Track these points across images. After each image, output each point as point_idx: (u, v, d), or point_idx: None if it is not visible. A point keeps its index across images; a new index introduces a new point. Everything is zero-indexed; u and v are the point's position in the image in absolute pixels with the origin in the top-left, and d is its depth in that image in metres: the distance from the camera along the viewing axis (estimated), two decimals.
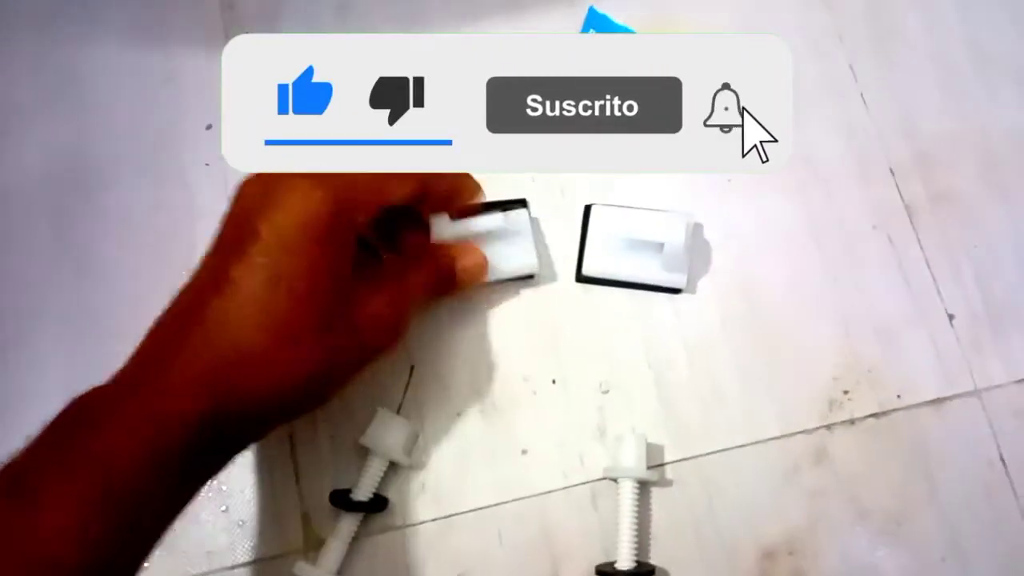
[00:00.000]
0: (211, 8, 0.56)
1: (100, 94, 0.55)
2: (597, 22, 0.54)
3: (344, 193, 0.38)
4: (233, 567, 0.46)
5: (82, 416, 0.34)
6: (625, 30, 0.54)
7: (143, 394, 0.34)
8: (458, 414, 0.48)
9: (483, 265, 0.47)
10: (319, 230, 0.37)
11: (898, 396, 0.48)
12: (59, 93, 0.55)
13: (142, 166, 0.53)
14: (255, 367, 0.36)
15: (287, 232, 0.37)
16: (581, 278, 0.50)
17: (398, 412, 0.47)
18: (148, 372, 0.36)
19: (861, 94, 0.54)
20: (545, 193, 0.51)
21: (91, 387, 0.35)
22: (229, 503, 0.47)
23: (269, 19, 0.56)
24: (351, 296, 0.40)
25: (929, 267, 0.51)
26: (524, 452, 0.47)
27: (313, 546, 0.46)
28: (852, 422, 0.47)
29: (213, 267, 0.38)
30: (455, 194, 0.46)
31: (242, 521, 0.46)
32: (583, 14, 0.55)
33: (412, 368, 0.48)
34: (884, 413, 0.48)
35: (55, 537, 0.31)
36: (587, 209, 0.50)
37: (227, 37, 0.54)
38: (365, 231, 0.43)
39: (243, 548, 0.46)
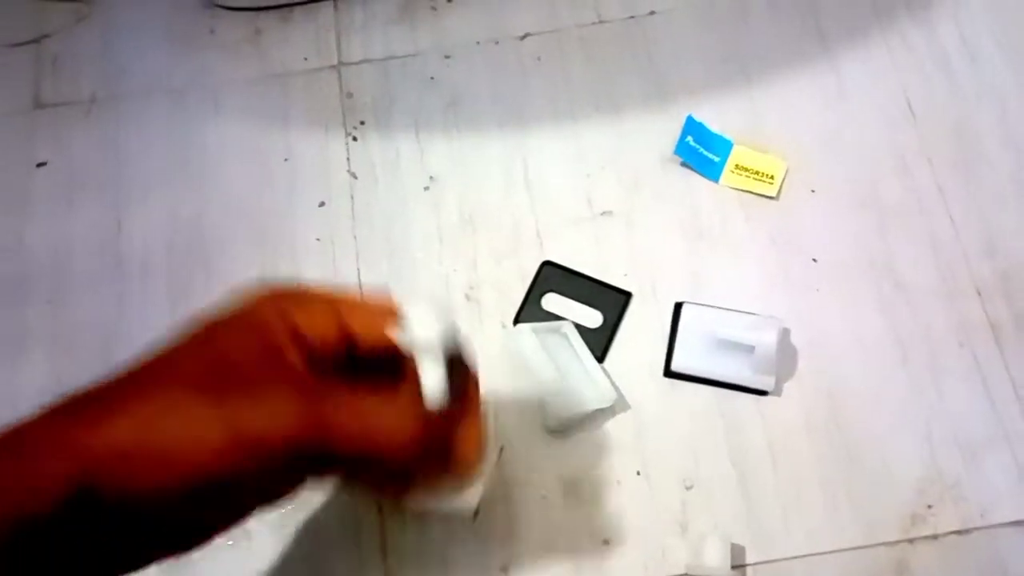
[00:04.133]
0: (331, 95, 0.60)
1: (223, 168, 0.59)
2: (695, 130, 0.57)
3: (296, 302, 0.36)
4: None
5: None
6: (720, 139, 0.57)
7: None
8: (544, 499, 0.49)
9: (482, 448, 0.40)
10: (235, 324, 0.35)
11: (981, 515, 0.48)
12: (186, 165, 0.59)
13: (256, 238, 0.57)
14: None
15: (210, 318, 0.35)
16: (669, 373, 0.51)
17: (484, 491, 0.48)
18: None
19: (947, 212, 0.55)
20: (636, 288, 0.53)
21: None
22: (317, 569, 0.48)
23: (384, 110, 0.60)
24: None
25: (1014, 387, 0.51)
26: (606, 542, 0.48)
27: None
28: (935, 537, 0.48)
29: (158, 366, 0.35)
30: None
31: None
32: (680, 119, 0.57)
33: (502, 449, 0.50)
34: (967, 531, 0.48)
35: None
36: (677, 307, 0.52)
37: (345, 123, 0.58)
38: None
39: None
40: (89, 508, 0.31)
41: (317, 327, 0.36)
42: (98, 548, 0.33)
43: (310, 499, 0.50)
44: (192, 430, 0.32)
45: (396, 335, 0.37)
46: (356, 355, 0.37)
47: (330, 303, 0.37)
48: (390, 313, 0.37)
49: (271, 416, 0.33)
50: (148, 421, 0.32)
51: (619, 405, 0.51)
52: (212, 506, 0.34)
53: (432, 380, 0.36)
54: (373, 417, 0.35)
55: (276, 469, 0.33)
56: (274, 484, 0.35)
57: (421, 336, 0.36)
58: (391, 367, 0.37)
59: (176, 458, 0.32)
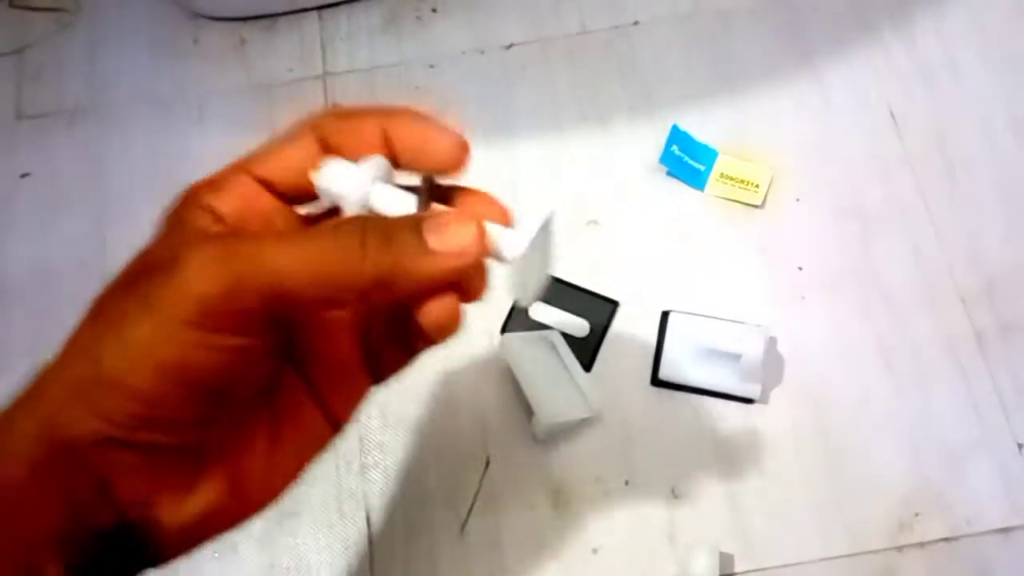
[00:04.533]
0: (315, 105, 0.60)
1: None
2: (680, 139, 0.57)
3: (202, 186, 0.31)
4: None
5: None
6: (705, 148, 0.57)
7: None
8: (530, 508, 0.49)
9: (457, 316, 0.31)
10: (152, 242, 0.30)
11: (967, 522, 0.48)
12: (170, 175, 0.58)
13: None
14: None
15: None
16: (657, 382, 0.51)
17: (473, 503, 0.48)
18: None
19: (931, 221, 0.56)
20: (623, 297, 0.53)
21: None
22: None
23: None
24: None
25: (998, 394, 0.51)
26: (594, 551, 0.48)
27: None
28: (922, 545, 0.48)
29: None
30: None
31: None
32: (665, 128, 0.57)
33: (488, 459, 0.50)
34: (953, 538, 0.48)
35: None
36: (664, 316, 0.52)
37: None
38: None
39: None
40: (66, 455, 0.27)
41: (241, 194, 0.31)
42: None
43: (297, 509, 0.49)
44: (133, 334, 0.27)
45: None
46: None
47: (238, 166, 0.32)
48: (304, 142, 0.32)
49: (190, 280, 0.27)
50: (96, 353, 0.27)
51: (607, 414, 0.51)
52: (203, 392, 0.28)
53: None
54: (311, 246, 0.28)
55: (237, 347, 0.28)
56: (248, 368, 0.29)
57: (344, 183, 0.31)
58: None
59: (122, 370, 0.27)
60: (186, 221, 0.30)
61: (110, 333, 0.28)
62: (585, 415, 0.49)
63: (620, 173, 0.57)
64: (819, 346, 0.53)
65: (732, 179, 0.57)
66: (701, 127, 0.58)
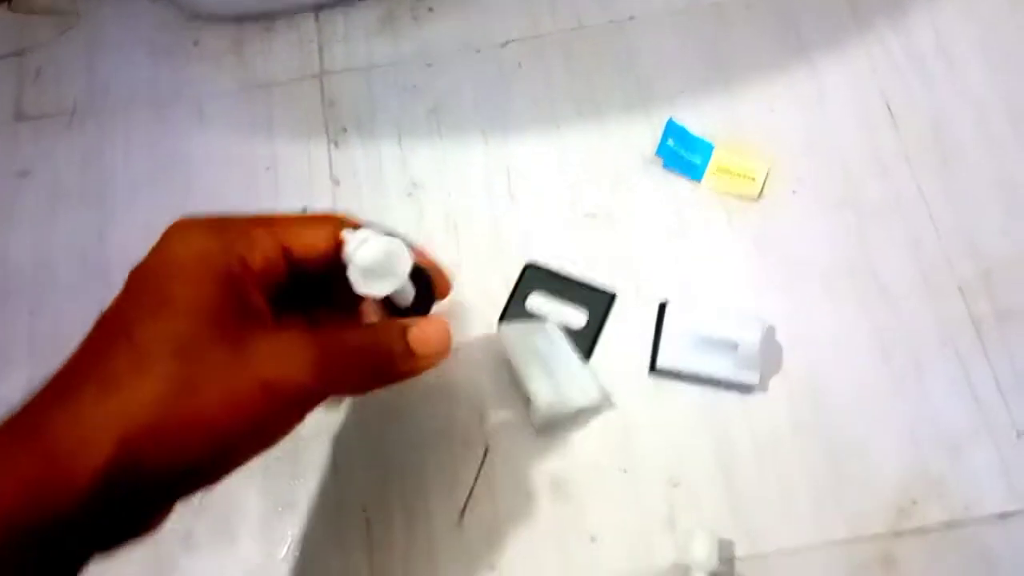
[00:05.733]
0: (313, 104, 0.61)
1: (207, 177, 0.59)
2: (676, 133, 0.58)
3: (236, 236, 0.35)
4: None
5: None
6: (701, 142, 0.58)
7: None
8: (529, 496, 0.49)
9: (447, 337, 0.40)
10: (190, 270, 0.34)
11: (965, 507, 0.48)
12: (170, 175, 0.59)
13: None
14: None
15: (159, 270, 0.34)
16: (655, 371, 0.51)
17: (471, 490, 0.48)
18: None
19: (928, 212, 0.56)
20: (620, 289, 0.54)
21: None
22: (304, 571, 0.48)
23: (367, 117, 0.60)
24: (247, 337, 0.34)
25: (996, 382, 0.51)
26: (593, 539, 0.48)
27: None
28: (922, 531, 0.48)
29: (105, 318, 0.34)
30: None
31: None
32: (661, 121, 0.58)
33: (487, 448, 0.50)
34: (953, 524, 0.48)
35: None
36: (661, 307, 0.52)
37: (328, 130, 0.59)
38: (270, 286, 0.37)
39: None
40: (127, 482, 0.30)
41: (266, 254, 0.36)
42: (125, 517, 0.32)
43: (294, 499, 0.49)
44: (224, 384, 0.32)
45: (344, 249, 0.37)
46: (300, 273, 0.38)
47: (269, 228, 0.37)
48: (330, 224, 0.38)
49: (289, 367, 0.34)
50: (178, 382, 0.31)
51: (605, 403, 0.51)
52: (239, 452, 0.34)
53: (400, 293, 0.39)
54: (372, 353, 0.37)
55: (294, 415, 0.35)
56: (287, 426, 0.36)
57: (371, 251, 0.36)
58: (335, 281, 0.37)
59: (212, 415, 0.32)
60: (244, 291, 0.35)
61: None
62: (584, 404, 0.49)
63: (616, 166, 0.58)
64: (817, 335, 0.53)
65: (729, 172, 0.57)
66: (697, 120, 0.58)
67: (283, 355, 0.34)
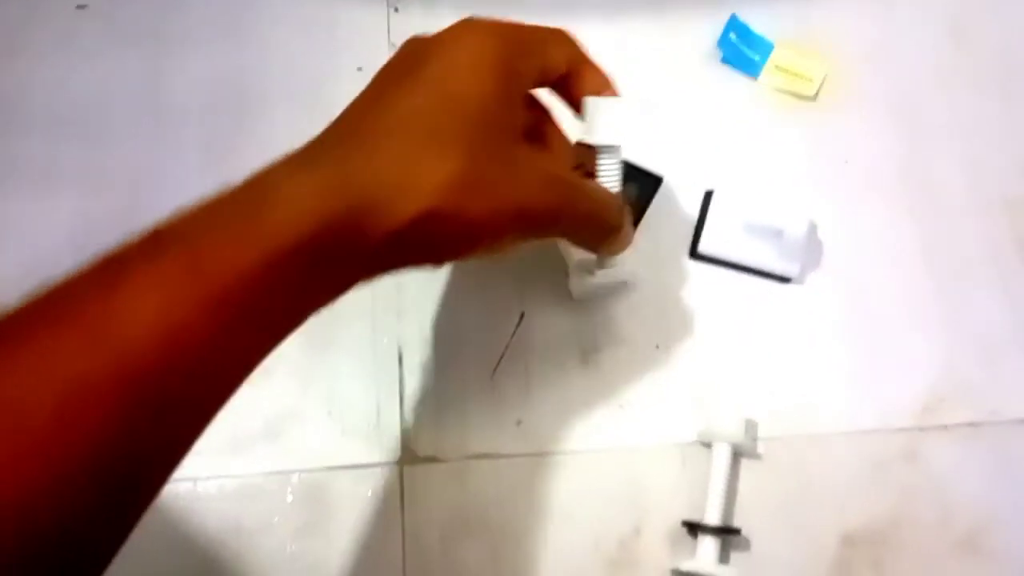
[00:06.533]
0: None
1: (264, 32, 0.59)
2: (738, 29, 0.57)
3: (513, 42, 0.37)
4: (331, 468, 0.47)
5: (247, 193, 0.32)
6: (763, 41, 0.57)
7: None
8: (561, 363, 0.49)
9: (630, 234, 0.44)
10: (493, 65, 0.35)
11: (992, 411, 0.49)
12: (230, 20, 0.59)
13: (294, 100, 0.57)
14: (405, 176, 0.32)
15: (460, 59, 0.35)
16: (696, 255, 0.51)
17: (504, 351, 0.49)
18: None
19: (984, 130, 0.55)
20: (667, 174, 0.53)
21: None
22: (333, 408, 0.49)
23: None
24: (516, 148, 0.37)
25: None
26: (621, 407, 0.49)
27: (408, 460, 0.47)
28: (945, 428, 0.48)
29: (373, 90, 0.36)
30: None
31: (344, 428, 0.48)
32: (724, 20, 0.57)
33: (522, 315, 0.50)
34: (977, 424, 0.48)
35: (132, 318, 0.27)
36: (708, 194, 0.52)
37: None
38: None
39: (343, 452, 0.48)
40: (430, 230, 0.32)
41: (542, 69, 0.39)
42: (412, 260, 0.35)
43: (332, 339, 0.50)
44: (518, 166, 0.35)
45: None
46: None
47: (572, 53, 0.40)
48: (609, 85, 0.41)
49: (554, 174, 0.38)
50: (477, 156, 0.33)
51: (644, 282, 0.51)
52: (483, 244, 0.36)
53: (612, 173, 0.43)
54: (608, 210, 0.40)
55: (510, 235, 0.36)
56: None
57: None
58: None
59: (507, 192, 0.34)
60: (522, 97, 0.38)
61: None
62: (622, 278, 0.50)
63: (676, 56, 0.57)
64: (860, 238, 0.53)
65: (787, 71, 0.57)
66: (761, 20, 0.57)
67: (541, 178, 0.36)
